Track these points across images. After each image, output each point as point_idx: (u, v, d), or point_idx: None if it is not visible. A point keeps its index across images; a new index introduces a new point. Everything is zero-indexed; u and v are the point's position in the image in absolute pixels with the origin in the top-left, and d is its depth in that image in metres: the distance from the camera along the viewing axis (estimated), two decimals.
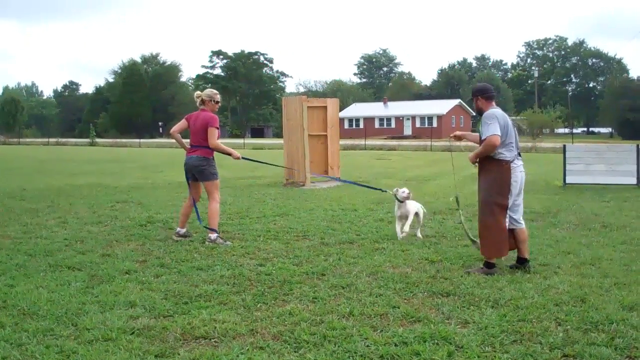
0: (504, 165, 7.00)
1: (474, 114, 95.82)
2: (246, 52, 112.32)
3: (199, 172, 8.96)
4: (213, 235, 8.77)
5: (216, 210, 8.93)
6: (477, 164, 7.25)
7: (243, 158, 9.36)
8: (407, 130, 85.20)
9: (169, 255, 7.89)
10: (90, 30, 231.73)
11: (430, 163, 29.16)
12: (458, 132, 8.08)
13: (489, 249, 7.08)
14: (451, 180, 18.77)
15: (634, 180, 16.45)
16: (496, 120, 6.96)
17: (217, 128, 8.87)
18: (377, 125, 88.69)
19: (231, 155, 9.06)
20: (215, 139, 8.84)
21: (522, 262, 7.27)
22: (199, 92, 9.24)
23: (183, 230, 9.18)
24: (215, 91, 9.21)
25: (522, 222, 7.30)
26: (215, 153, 9.01)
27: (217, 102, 9.10)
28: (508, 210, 7.06)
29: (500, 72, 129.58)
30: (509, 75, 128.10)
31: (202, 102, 9.02)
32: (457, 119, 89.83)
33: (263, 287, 6.37)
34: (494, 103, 7.33)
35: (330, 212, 11.52)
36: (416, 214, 9.14)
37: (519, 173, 7.11)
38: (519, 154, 7.23)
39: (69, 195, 14.80)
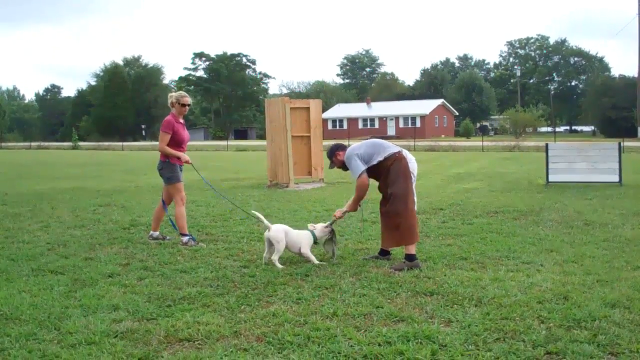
0: (396, 156, 7.37)
1: (457, 113, 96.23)
2: (229, 53, 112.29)
3: (159, 175, 9.08)
4: (184, 239, 8.77)
5: (180, 213, 8.88)
6: (360, 206, 7.81)
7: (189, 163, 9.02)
8: (391, 131, 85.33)
9: (152, 258, 7.86)
10: (72, 33, 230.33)
11: None
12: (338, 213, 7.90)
13: (407, 235, 7.30)
14: (433, 181, 18.85)
15: (616, 178, 16.56)
16: (355, 157, 7.41)
17: (166, 132, 8.73)
18: (360, 125, 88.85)
19: (179, 158, 8.88)
20: (164, 143, 8.75)
21: (384, 254, 7.67)
22: (172, 93, 9.16)
23: (156, 233, 9.17)
24: (184, 93, 9.06)
25: None
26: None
27: (184, 105, 8.87)
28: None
29: (482, 72, 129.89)
30: (492, 74, 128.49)
31: (172, 105, 8.94)
32: (440, 119, 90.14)
33: (247, 289, 6.36)
34: None
35: (314, 214, 11.51)
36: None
37: (414, 163, 7.52)
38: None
39: (52, 199, 14.71)
